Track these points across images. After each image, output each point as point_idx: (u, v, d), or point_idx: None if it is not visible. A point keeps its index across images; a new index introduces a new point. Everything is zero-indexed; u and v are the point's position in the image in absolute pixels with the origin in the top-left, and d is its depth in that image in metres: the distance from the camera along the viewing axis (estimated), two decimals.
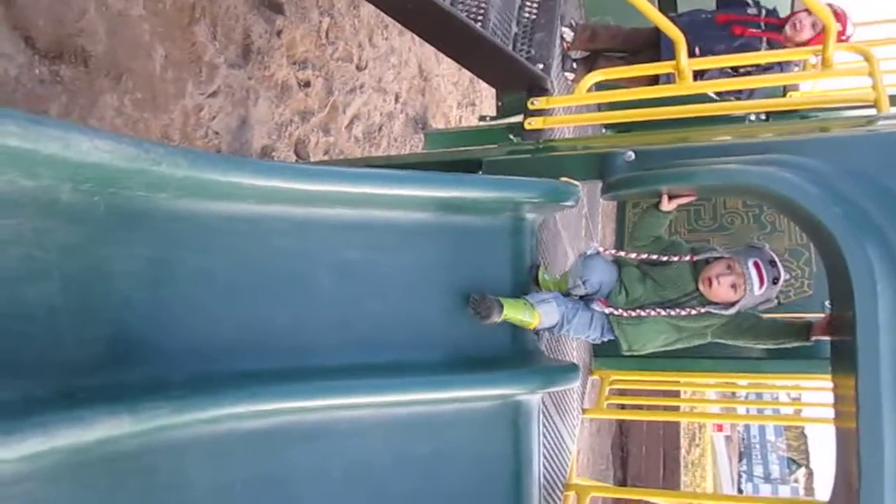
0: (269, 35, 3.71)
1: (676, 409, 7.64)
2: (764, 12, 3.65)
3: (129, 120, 2.78)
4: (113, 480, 1.57)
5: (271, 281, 1.96)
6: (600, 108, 3.88)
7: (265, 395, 1.83)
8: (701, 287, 2.17)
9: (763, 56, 3.34)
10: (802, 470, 46.94)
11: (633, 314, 2.25)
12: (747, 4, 3.68)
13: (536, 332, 2.35)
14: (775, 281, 2.11)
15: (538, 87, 3.03)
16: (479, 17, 2.90)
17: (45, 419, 1.39)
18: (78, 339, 1.59)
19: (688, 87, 2.82)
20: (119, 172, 1.56)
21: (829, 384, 3.80)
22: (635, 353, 2.36)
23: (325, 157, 4.19)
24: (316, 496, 1.96)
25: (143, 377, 1.67)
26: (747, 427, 45.18)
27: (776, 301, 2.18)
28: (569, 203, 2.37)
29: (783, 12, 3.74)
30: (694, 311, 2.19)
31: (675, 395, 7.72)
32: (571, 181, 2.37)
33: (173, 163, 1.63)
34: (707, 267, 2.18)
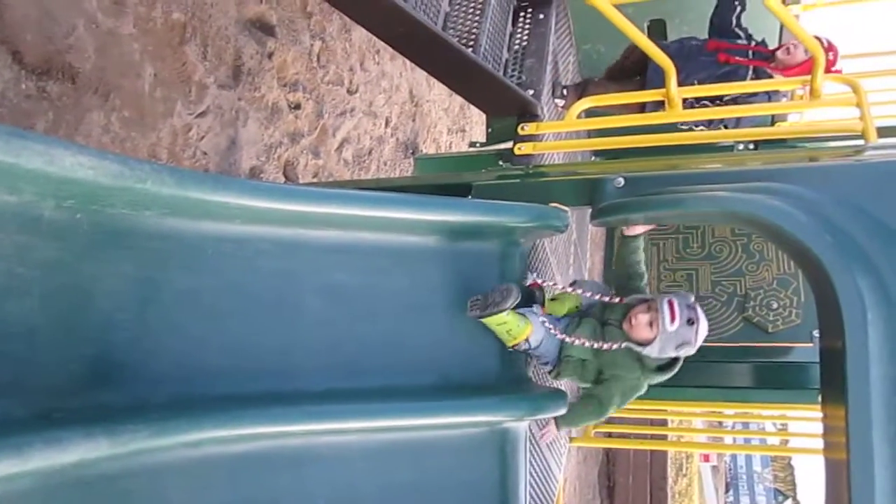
0: (261, 56, 3.71)
1: (664, 437, 7.60)
2: (753, 42, 3.69)
3: (117, 138, 2.76)
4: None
5: (257, 302, 1.93)
6: (590, 134, 3.89)
7: (248, 419, 1.79)
8: (625, 326, 2.28)
9: (750, 86, 3.36)
10: (789, 501, 46.68)
11: (566, 339, 2.32)
12: (738, 35, 3.72)
13: (516, 348, 2.32)
14: (690, 322, 2.19)
15: (528, 113, 3.04)
16: (471, 43, 2.91)
17: (19, 440, 1.35)
18: (57, 359, 1.56)
19: (677, 114, 2.82)
20: (103, 189, 1.53)
21: (817, 414, 3.80)
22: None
23: (314, 180, 4.17)
24: None
25: (123, 399, 1.64)
26: (734, 457, 45.02)
27: (694, 347, 2.24)
28: (558, 228, 2.36)
29: (772, 44, 3.78)
30: (615, 345, 2.29)
31: (663, 423, 7.68)
32: (561, 206, 2.36)
33: (159, 180, 1.61)
34: (631, 308, 2.29)
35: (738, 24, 3.73)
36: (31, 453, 1.35)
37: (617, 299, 2.36)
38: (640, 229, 2.38)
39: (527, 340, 2.28)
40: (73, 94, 2.58)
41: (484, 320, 2.22)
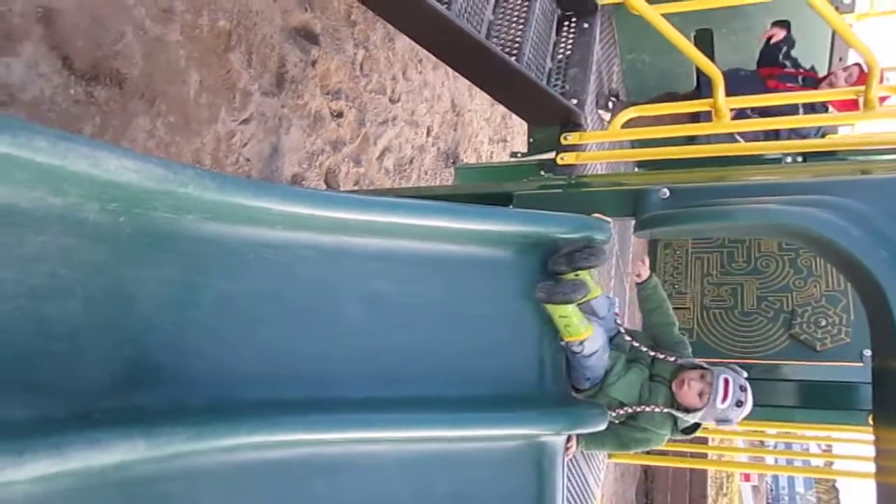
0: (304, 64, 3.74)
1: (704, 456, 7.45)
2: (801, 69, 3.66)
3: (161, 143, 2.80)
4: None
5: (296, 309, 1.93)
6: (633, 145, 3.84)
7: (285, 426, 1.78)
8: (674, 387, 2.32)
9: (800, 97, 3.29)
10: None
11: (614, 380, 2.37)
12: (785, 64, 3.69)
13: (568, 346, 2.31)
14: (739, 404, 2.26)
15: (571, 123, 3.01)
16: (514, 52, 2.89)
17: (59, 440, 1.35)
18: (98, 360, 1.56)
19: (724, 125, 2.77)
20: (146, 193, 1.54)
21: (865, 436, 3.68)
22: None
23: (355, 188, 4.18)
24: None
25: (162, 402, 1.64)
26: (776, 478, 44.09)
27: (734, 424, 2.34)
28: (601, 239, 2.32)
29: (821, 71, 3.73)
30: (657, 409, 2.34)
31: (703, 441, 7.54)
32: (603, 217, 2.32)
33: (201, 185, 1.61)
34: (685, 370, 2.33)
35: (788, 55, 3.72)
36: (71, 453, 1.36)
37: (672, 358, 2.38)
38: (645, 272, 2.41)
39: (582, 343, 2.26)
40: (120, 99, 2.63)
41: (548, 307, 2.22)
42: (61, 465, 1.34)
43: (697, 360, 2.38)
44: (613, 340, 2.39)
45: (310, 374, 1.92)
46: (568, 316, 2.23)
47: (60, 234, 1.49)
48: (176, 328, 1.71)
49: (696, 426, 2.39)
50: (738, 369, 2.34)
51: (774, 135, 3.59)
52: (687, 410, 2.31)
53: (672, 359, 2.38)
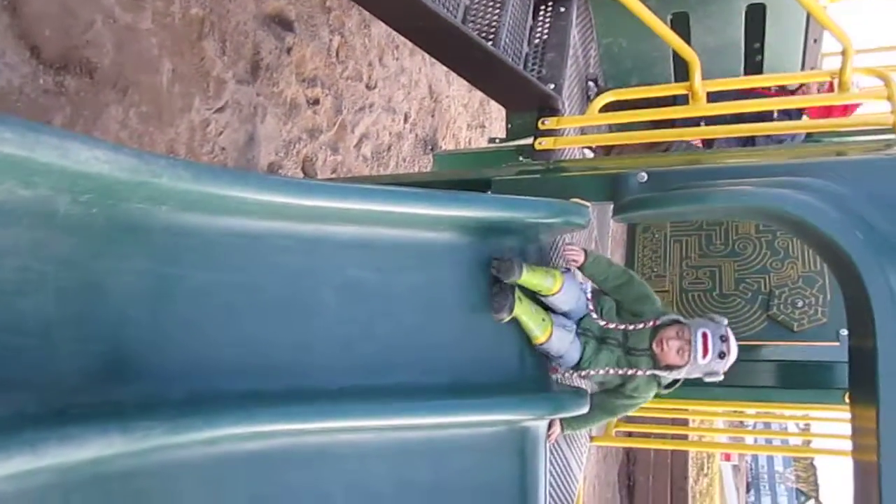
0: (279, 52, 3.69)
1: (685, 437, 7.52)
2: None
3: (134, 133, 2.75)
4: (104, 502, 1.51)
5: (274, 299, 1.91)
6: (611, 129, 3.84)
7: (264, 417, 1.77)
8: (654, 347, 2.25)
9: (780, 78, 3.30)
10: (812, 502, 46.24)
11: (584, 373, 2.32)
12: None
13: (538, 348, 2.28)
14: (721, 356, 2.18)
15: (549, 108, 3.00)
16: (491, 36, 2.87)
17: (33, 437, 1.33)
18: (72, 355, 1.54)
19: (700, 108, 2.77)
20: (118, 184, 1.51)
21: (841, 415, 3.73)
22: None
23: (333, 176, 4.15)
24: None
25: (138, 395, 1.62)
26: (756, 457, 44.67)
27: (721, 375, 2.24)
28: (579, 224, 2.32)
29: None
30: (640, 372, 2.27)
31: (684, 423, 7.60)
32: (582, 202, 2.32)
33: (175, 175, 1.59)
34: (661, 329, 2.25)
35: None
36: (46, 450, 1.34)
37: (640, 325, 2.30)
38: (579, 256, 2.30)
39: (545, 346, 2.26)
40: (90, 89, 2.58)
41: (514, 314, 2.20)
42: (35, 462, 1.32)
43: (673, 316, 2.29)
44: (582, 323, 2.32)
45: (289, 365, 1.91)
46: (523, 324, 2.22)
47: (31, 226, 1.46)
48: (152, 320, 1.69)
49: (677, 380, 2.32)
50: (718, 318, 2.26)
51: (751, 142, 3.64)
52: (670, 369, 2.25)
53: (641, 325, 2.29)
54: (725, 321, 2.26)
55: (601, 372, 2.30)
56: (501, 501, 2.17)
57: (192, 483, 1.68)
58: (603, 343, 2.32)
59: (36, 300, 1.48)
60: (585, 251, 2.31)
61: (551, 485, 2.52)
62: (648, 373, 2.26)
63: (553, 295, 2.25)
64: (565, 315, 2.33)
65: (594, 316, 2.31)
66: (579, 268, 2.31)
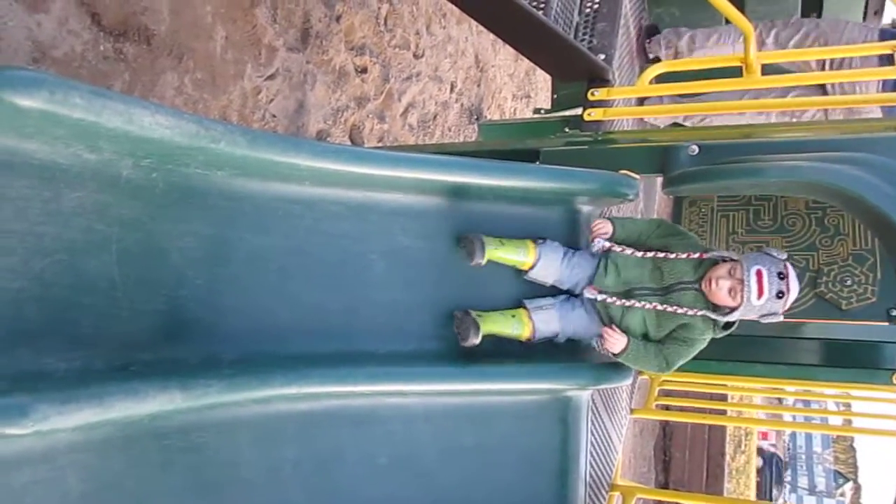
0: (329, 20, 3.71)
1: (723, 413, 7.48)
2: None
3: (189, 100, 2.80)
4: (163, 455, 1.58)
5: (325, 264, 1.95)
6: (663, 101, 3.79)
7: (315, 378, 1.82)
8: (703, 286, 2.02)
9: (837, 51, 3.22)
10: (850, 484, 45.69)
11: (627, 303, 2.07)
12: None
13: (533, 341, 2.16)
14: (780, 295, 1.94)
15: (599, 78, 2.97)
16: (542, 5, 2.84)
17: (100, 390, 1.40)
18: (134, 313, 1.60)
19: (755, 80, 2.72)
20: (178, 149, 1.56)
21: (887, 395, 3.68)
22: None
23: (379, 144, 4.18)
24: (362, 482, 1.95)
25: (196, 354, 1.68)
26: (793, 436, 44.19)
27: (781, 316, 2.00)
28: (628, 196, 2.31)
29: None
30: (691, 312, 2.03)
31: (723, 398, 7.55)
32: (631, 174, 2.31)
33: (232, 141, 1.63)
34: (713, 267, 2.03)
35: None
36: (112, 403, 1.40)
37: (673, 255, 2.06)
38: (607, 226, 2.14)
39: (531, 273, 2.14)
40: (148, 55, 2.63)
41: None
42: (102, 414, 1.39)
43: (722, 252, 2.06)
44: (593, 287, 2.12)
45: (338, 328, 1.96)
46: (501, 259, 2.11)
47: (96, 189, 1.52)
48: (208, 282, 1.74)
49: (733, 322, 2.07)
50: (775, 253, 2.00)
51: None
52: (721, 310, 2.01)
53: (674, 256, 2.06)
54: (784, 255, 2.01)
55: (648, 306, 2.06)
56: (543, 468, 2.20)
57: (245, 439, 1.74)
58: (630, 298, 2.09)
59: (101, 260, 1.54)
60: (611, 221, 2.17)
61: (592, 455, 2.55)
62: (700, 313, 2.03)
63: (531, 269, 2.14)
64: (568, 292, 2.20)
65: (588, 294, 2.11)
66: (611, 238, 2.14)
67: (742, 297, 1.96)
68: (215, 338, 1.74)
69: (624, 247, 2.12)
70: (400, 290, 2.08)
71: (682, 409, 5.70)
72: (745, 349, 3.64)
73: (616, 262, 2.12)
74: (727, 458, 11.86)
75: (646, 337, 2.12)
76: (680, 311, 2.03)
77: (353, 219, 2.00)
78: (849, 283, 3.60)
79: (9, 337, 1.39)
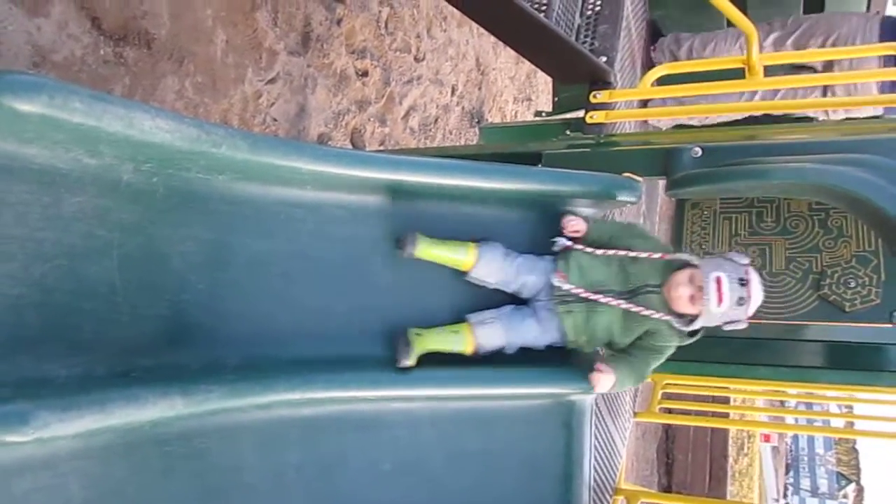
0: (330, 23, 3.70)
1: (726, 415, 7.46)
2: None
3: (190, 104, 2.80)
4: (165, 462, 1.57)
5: (327, 268, 1.94)
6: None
7: (318, 384, 1.81)
8: (665, 291, 1.96)
9: (838, 52, 3.21)
10: (852, 486, 45.62)
11: (592, 296, 1.99)
12: None
13: (479, 356, 2.07)
14: (741, 302, 1.88)
15: (601, 81, 2.96)
16: (543, 7, 2.84)
17: (101, 397, 1.39)
18: (135, 319, 1.59)
19: (758, 82, 2.71)
20: (179, 153, 1.55)
21: (890, 398, 3.66)
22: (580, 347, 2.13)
23: (381, 148, 4.17)
24: (366, 487, 1.93)
25: (197, 359, 1.67)
26: (796, 439, 44.16)
27: (744, 323, 1.93)
28: (631, 199, 2.30)
29: None
30: (656, 315, 1.97)
31: (725, 401, 7.53)
32: (634, 177, 2.30)
33: (233, 145, 1.62)
34: (674, 272, 1.97)
35: None
36: (113, 410, 1.39)
37: (658, 255, 2.00)
38: (580, 224, 2.08)
39: (474, 275, 2.06)
40: (148, 59, 2.62)
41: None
42: (103, 420, 1.38)
43: (684, 256, 1.98)
44: (549, 294, 2.05)
45: (342, 332, 1.95)
46: (439, 258, 2.03)
47: (96, 194, 1.51)
48: (209, 287, 1.73)
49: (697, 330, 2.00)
50: (736, 257, 1.93)
51: None
52: (683, 317, 1.95)
53: (634, 255, 2.00)
54: (746, 259, 1.93)
55: (612, 302, 1.98)
56: (548, 473, 2.19)
57: (247, 445, 1.73)
58: (591, 312, 2.02)
59: (101, 265, 1.53)
60: (586, 219, 2.12)
61: (596, 459, 2.53)
62: (665, 317, 1.96)
63: (472, 269, 2.05)
64: (521, 299, 2.12)
65: (556, 282, 2.01)
66: (583, 238, 2.09)
67: (701, 303, 1.90)
68: (217, 343, 1.73)
69: (585, 246, 2.07)
70: (403, 292, 2.07)
71: (684, 413, 5.68)
72: (748, 352, 3.63)
73: (580, 262, 2.05)
74: (730, 460, 11.84)
75: (609, 346, 2.08)
76: (646, 312, 1.97)
77: (355, 222, 1.99)
78: (852, 285, 3.59)
79: (9, 343, 1.38)
